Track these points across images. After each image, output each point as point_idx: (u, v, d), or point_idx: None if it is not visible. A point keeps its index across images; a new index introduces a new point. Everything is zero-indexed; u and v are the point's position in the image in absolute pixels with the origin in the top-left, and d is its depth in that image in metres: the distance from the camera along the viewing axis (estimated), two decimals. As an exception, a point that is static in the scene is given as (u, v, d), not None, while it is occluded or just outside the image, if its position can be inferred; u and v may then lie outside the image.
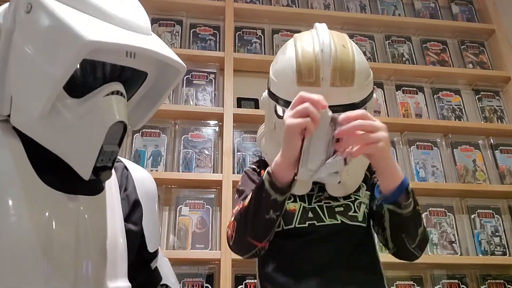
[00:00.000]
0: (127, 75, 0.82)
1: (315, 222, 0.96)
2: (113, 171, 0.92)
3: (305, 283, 0.93)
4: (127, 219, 0.94)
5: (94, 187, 0.85)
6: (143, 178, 1.02)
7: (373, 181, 1.03)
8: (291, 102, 0.91)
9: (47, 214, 0.76)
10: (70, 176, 0.79)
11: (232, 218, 0.97)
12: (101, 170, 0.79)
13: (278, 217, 0.90)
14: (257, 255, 0.97)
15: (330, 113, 0.83)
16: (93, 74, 0.79)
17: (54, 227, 0.76)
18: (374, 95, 1.01)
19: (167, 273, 1.08)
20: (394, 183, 0.87)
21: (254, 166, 1.10)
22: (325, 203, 0.98)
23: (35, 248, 0.74)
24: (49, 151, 0.80)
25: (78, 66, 0.75)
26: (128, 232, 0.92)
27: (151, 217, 1.00)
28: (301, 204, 0.99)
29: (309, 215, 0.97)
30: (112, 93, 0.78)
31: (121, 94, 0.80)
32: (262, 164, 1.09)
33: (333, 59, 0.92)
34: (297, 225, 0.97)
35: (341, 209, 0.98)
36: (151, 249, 0.98)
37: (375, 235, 1.03)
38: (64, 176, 0.80)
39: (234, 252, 0.98)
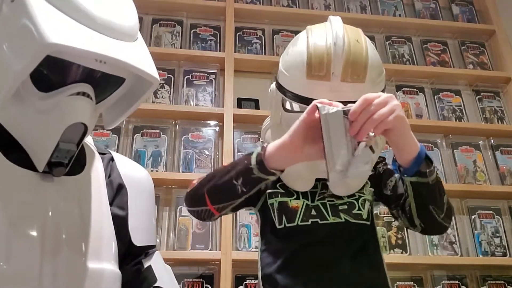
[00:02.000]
0: (101, 77, 0.81)
1: (318, 220, 0.95)
2: (99, 160, 0.94)
3: (308, 284, 0.92)
4: (111, 203, 0.93)
5: (70, 168, 0.85)
6: (130, 168, 1.02)
7: (378, 171, 1.01)
8: (299, 95, 0.90)
9: (11, 189, 0.77)
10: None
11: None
12: (55, 166, 0.80)
13: (241, 194, 0.86)
14: (200, 217, 0.94)
15: (340, 109, 0.78)
16: (63, 72, 0.79)
17: (19, 203, 0.77)
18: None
19: (165, 279, 1.02)
20: (413, 153, 0.82)
21: None
22: (328, 200, 0.97)
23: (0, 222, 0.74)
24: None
25: (48, 62, 0.74)
26: (114, 217, 0.91)
27: (138, 208, 0.98)
28: (304, 201, 0.97)
29: (312, 213, 0.96)
30: (78, 93, 0.78)
31: (88, 96, 0.79)
32: None
33: (346, 54, 0.89)
34: (299, 223, 0.95)
35: (345, 207, 0.96)
36: (137, 242, 0.95)
37: (379, 234, 1.01)
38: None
39: (185, 201, 0.95)
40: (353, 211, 0.96)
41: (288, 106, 0.98)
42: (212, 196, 0.89)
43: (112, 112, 0.91)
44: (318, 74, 0.89)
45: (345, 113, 0.78)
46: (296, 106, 0.97)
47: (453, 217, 1.07)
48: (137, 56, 0.81)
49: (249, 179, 0.84)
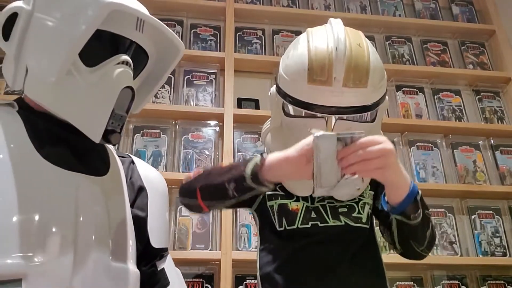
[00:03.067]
0: (133, 54, 0.90)
1: (318, 222, 0.95)
2: (119, 162, 0.97)
3: (307, 285, 0.92)
4: (132, 204, 0.95)
5: (94, 168, 0.89)
6: (149, 171, 1.06)
7: (376, 184, 1.01)
8: (300, 100, 0.90)
9: (45, 187, 0.79)
10: (74, 156, 0.85)
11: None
12: (110, 133, 0.85)
13: (232, 197, 0.85)
14: (190, 209, 0.95)
15: (334, 134, 0.77)
16: (107, 45, 0.87)
17: (50, 199, 0.79)
18: (387, 97, 0.98)
19: (176, 283, 1.04)
20: (402, 194, 0.83)
21: None
22: (328, 202, 0.97)
23: (34, 220, 0.75)
24: (53, 132, 0.86)
25: (93, 36, 0.82)
26: (135, 218, 0.93)
27: (157, 211, 1.00)
28: (304, 204, 0.97)
29: (312, 215, 0.96)
30: (123, 62, 0.87)
31: (130, 66, 0.88)
32: None
33: (347, 59, 0.88)
34: (299, 226, 0.95)
35: (345, 210, 0.96)
36: (154, 243, 0.97)
37: (378, 236, 1.01)
38: (69, 155, 0.85)
39: (179, 192, 0.95)
40: (353, 214, 0.96)
41: (288, 110, 0.98)
42: (204, 193, 0.89)
43: (137, 96, 0.96)
44: (320, 79, 0.89)
45: (340, 139, 0.77)
46: (296, 110, 0.96)
47: (454, 217, 1.06)
48: (163, 25, 0.93)
49: (241, 187, 0.84)
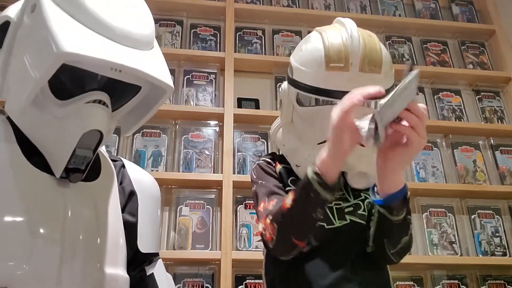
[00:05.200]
0: (118, 85, 0.83)
1: (324, 224, 0.95)
2: (112, 167, 0.96)
3: (314, 285, 0.92)
4: (123, 209, 0.94)
5: (86, 174, 0.86)
6: (140, 175, 1.03)
7: None
8: (318, 88, 0.92)
9: (33, 192, 0.79)
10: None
11: (268, 220, 0.91)
12: (72, 172, 0.82)
13: (322, 215, 0.87)
14: (295, 255, 0.93)
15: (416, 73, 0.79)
16: (80, 80, 0.81)
17: (37, 206, 0.78)
18: None
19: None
20: (395, 188, 0.85)
21: (268, 159, 1.07)
22: (335, 204, 0.97)
23: (15, 227, 0.75)
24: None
25: (66, 71, 0.76)
26: (125, 223, 0.92)
27: (147, 215, 0.99)
28: None
29: None
30: (94, 101, 0.81)
31: (104, 104, 0.82)
32: (276, 157, 1.07)
33: (362, 45, 0.93)
34: None
35: (351, 209, 0.98)
36: (143, 248, 0.96)
37: None
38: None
39: (274, 255, 0.94)
40: (359, 212, 0.97)
41: (303, 101, 0.99)
42: (303, 237, 0.89)
43: (129, 120, 0.93)
44: (338, 65, 0.92)
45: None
46: (312, 99, 0.98)
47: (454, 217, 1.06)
48: (151, 64, 0.83)
49: (325, 205, 0.85)
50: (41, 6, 0.76)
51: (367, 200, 0.99)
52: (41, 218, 0.77)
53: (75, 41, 0.73)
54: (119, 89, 0.84)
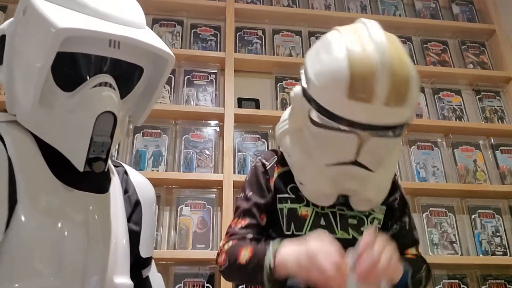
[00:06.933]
0: (119, 70, 0.83)
1: (326, 232, 0.93)
2: (115, 173, 0.96)
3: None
4: (129, 219, 0.95)
5: (100, 186, 0.87)
6: (142, 182, 1.04)
7: (391, 202, 1.02)
8: (336, 115, 0.84)
9: (58, 207, 0.79)
10: (79, 173, 0.82)
11: (226, 247, 0.95)
12: (94, 161, 0.81)
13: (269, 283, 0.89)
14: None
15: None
16: (82, 67, 0.81)
17: (65, 221, 0.78)
18: None
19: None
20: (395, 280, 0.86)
21: (265, 162, 1.05)
22: (338, 209, 0.96)
23: (46, 242, 0.75)
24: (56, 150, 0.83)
25: (67, 59, 0.78)
26: (130, 232, 0.93)
27: (148, 222, 1.00)
28: (313, 209, 0.96)
29: (321, 222, 0.95)
30: (100, 84, 0.80)
31: (110, 86, 0.81)
32: (279, 159, 1.04)
33: (392, 75, 0.81)
34: (307, 232, 0.94)
35: (354, 222, 0.95)
36: (143, 254, 0.98)
37: None
38: (73, 173, 0.82)
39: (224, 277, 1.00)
40: (362, 228, 0.96)
41: (316, 118, 0.90)
42: (248, 285, 0.93)
43: (138, 108, 0.93)
44: (361, 96, 0.81)
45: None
46: (327, 121, 0.88)
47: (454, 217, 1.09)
48: (148, 37, 0.83)
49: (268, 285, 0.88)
50: (32, 4, 0.77)
51: (371, 216, 0.97)
52: (68, 233, 0.78)
53: (71, 19, 0.75)
54: (122, 76, 0.84)
